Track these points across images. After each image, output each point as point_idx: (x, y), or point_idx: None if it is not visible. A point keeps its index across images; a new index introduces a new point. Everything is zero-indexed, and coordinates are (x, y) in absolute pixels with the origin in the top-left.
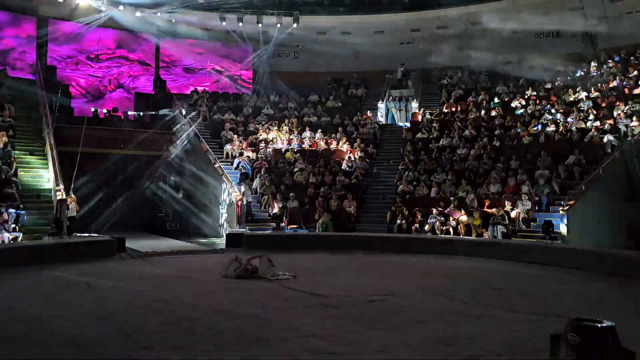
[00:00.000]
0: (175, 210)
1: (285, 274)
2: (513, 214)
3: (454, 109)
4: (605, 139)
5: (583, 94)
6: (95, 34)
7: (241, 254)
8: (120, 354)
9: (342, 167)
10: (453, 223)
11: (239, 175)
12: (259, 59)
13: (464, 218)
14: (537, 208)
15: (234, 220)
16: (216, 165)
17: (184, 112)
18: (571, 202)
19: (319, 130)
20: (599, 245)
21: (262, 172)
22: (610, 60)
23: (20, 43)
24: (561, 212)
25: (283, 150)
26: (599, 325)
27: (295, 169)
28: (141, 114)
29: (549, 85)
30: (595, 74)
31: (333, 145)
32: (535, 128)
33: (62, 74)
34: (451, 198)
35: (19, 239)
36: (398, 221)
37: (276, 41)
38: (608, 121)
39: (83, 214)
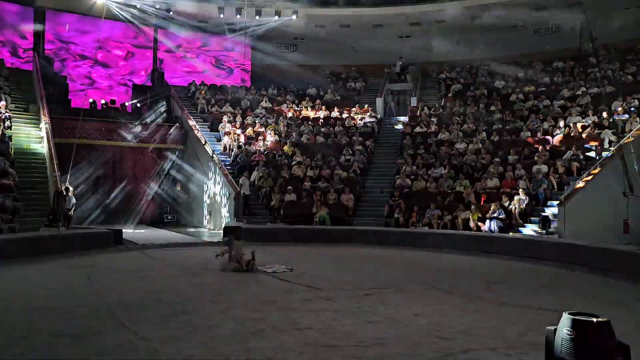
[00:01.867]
0: (173, 202)
1: (282, 266)
2: (510, 209)
3: (452, 103)
4: (602, 135)
5: (581, 90)
6: (103, 27)
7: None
8: (118, 345)
9: (340, 161)
10: (450, 217)
11: (236, 168)
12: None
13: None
14: (534, 203)
15: (231, 212)
16: (214, 159)
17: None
18: (568, 197)
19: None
20: (595, 240)
21: (260, 165)
22: (608, 56)
23: (20, 34)
24: (558, 207)
25: (281, 143)
26: (595, 319)
27: (293, 162)
28: (138, 105)
29: (547, 80)
30: (593, 69)
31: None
32: (533, 123)
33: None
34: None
35: (16, 231)
36: (396, 215)
37: (270, 27)
38: (606, 116)
39: (81, 205)
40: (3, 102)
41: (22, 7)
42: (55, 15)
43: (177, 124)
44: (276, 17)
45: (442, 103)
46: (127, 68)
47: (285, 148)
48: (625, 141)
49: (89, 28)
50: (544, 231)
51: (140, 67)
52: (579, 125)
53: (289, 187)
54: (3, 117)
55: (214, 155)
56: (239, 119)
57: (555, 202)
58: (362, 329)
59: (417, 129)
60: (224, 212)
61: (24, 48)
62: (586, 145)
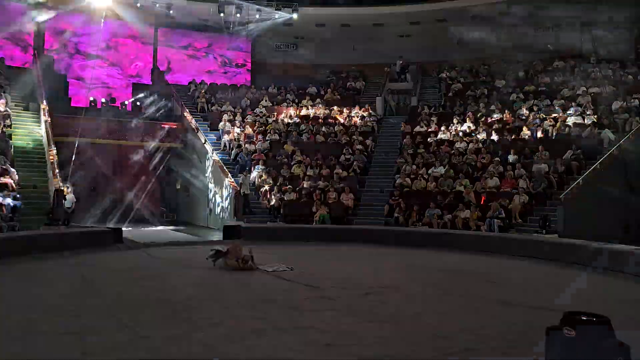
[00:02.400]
0: (173, 201)
1: (282, 265)
2: (510, 208)
3: (452, 103)
4: (602, 134)
5: (581, 89)
6: (109, 26)
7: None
8: (118, 344)
9: (340, 160)
10: (450, 217)
11: (236, 167)
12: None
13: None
14: (534, 202)
15: (231, 211)
16: (213, 158)
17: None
18: (568, 197)
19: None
20: (595, 239)
21: (260, 164)
22: (609, 56)
23: (26, 31)
24: (558, 206)
25: (281, 142)
26: (595, 319)
27: (293, 162)
28: (138, 103)
29: (547, 80)
30: (594, 69)
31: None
32: (533, 122)
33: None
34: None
35: (16, 229)
36: (395, 214)
37: (271, 25)
38: (606, 116)
39: (81, 204)
40: (3, 100)
41: (25, 5)
42: (58, 14)
43: (177, 123)
44: (276, 16)
45: (442, 102)
46: (134, 67)
47: (286, 147)
48: (625, 141)
49: (94, 27)
50: (543, 231)
51: (147, 66)
52: (578, 124)
53: (288, 186)
54: (2, 115)
55: (214, 154)
56: (239, 117)
57: (556, 202)
58: (362, 328)
59: (417, 128)
60: (224, 210)
61: (30, 46)
62: (586, 145)
